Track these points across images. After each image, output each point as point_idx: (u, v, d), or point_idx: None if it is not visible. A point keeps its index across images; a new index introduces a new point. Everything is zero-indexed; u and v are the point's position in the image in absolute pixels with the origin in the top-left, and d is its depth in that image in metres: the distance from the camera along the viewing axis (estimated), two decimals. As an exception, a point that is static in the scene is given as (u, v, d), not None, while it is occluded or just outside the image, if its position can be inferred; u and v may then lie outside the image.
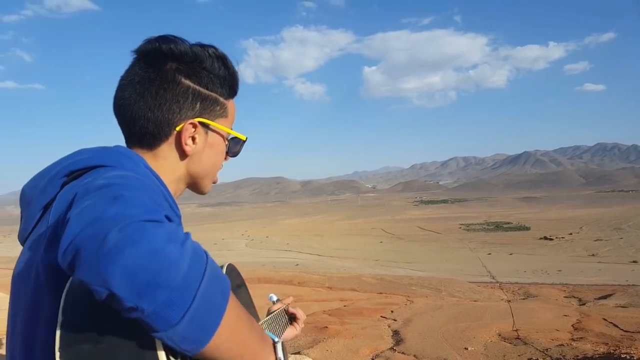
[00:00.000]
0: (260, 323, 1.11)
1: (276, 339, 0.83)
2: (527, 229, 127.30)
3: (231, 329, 0.68)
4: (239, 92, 1.08)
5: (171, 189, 0.98)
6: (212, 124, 1.01)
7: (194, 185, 1.08)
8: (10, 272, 0.86)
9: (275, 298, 1.39)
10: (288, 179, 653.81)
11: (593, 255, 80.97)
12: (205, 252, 0.67)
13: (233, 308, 0.69)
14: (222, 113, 1.03)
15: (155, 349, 0.66)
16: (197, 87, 0.98)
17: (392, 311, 21.43)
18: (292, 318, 1.35)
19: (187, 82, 0.97)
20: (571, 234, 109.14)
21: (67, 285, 0.68)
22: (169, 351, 0.67)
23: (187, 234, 0.66)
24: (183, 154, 0.99)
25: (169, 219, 0.68)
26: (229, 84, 1.04)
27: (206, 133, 1.01)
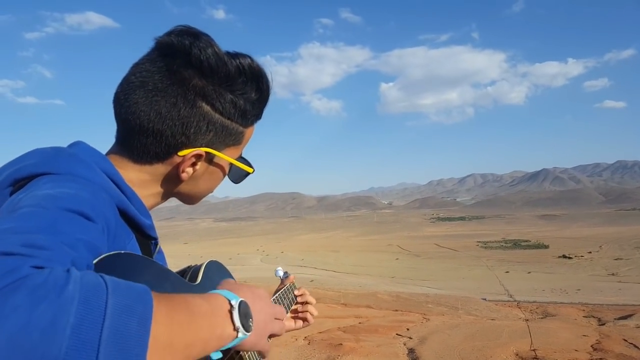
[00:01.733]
0: None
1: (233, 301, 0.67)
2: (546, 247, 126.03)
3: (166, 343, 0.54)
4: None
5: (147, 201, 0.89)
6: (219, 155, 0.89)
7: (180, 198, 0.97)
8: None
9: (281, 273, 1.22)
10: (304, 194, 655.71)
11: (613, 274, 79.71)
12: (104, 281, 0.52)
13: (161, 318, 0.54)
14: (236, 141, 0.91)
15: None
16: (217, 116, 0.85)
17: (407, 329, 21.30)
18: (294, 305, 1.20)
19: (208, 107, 0.84)
20: (590, 252, 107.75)
21: None
22: None
23: (68, 273, 0.50)
24: (177, 178, 0.89)
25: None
26: (256, 112, 0.91)
27: (210, 162, 0.90)
